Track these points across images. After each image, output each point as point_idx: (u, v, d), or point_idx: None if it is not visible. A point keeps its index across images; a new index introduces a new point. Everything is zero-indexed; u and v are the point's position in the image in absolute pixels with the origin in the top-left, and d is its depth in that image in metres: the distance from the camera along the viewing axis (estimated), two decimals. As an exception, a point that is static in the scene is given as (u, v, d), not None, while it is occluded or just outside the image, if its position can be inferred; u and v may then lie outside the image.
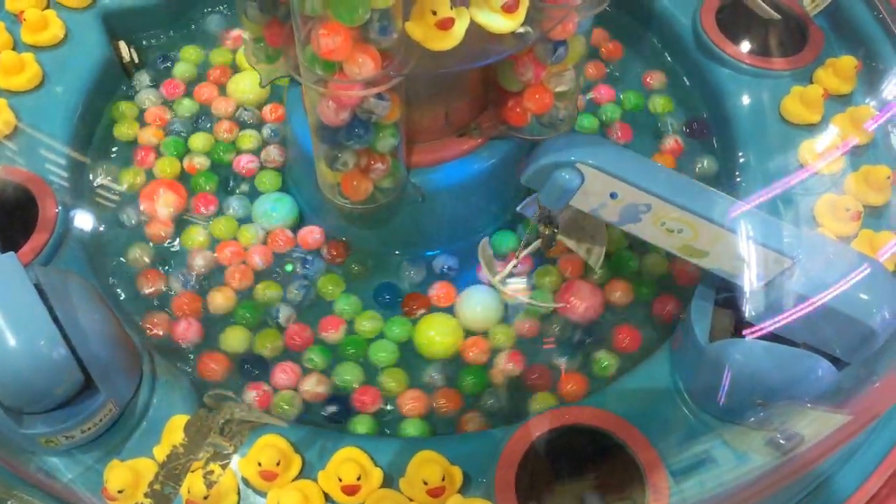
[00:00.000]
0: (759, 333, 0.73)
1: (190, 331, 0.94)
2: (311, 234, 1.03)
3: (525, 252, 0.94)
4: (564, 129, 0.94)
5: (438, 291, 0.98)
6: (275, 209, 1.03)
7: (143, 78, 1.17)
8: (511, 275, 0.96)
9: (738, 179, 1.02)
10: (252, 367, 0.92)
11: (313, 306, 0.98)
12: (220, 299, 0.97)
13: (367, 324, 0.96)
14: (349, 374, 0.92)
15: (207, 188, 1.07)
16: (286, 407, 0.88)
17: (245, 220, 1.04)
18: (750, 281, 0.76)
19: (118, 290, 0.97)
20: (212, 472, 0.63)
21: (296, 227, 1.04)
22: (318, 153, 0.86)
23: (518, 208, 0.91)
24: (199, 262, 1.00)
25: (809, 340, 0.73)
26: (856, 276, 0.72)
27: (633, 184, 0.75)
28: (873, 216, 0.94)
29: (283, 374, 0.91)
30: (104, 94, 1.12)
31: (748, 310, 0.75)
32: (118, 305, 0.94)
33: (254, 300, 0.98)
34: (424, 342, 0.94)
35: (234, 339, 0.94)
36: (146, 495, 0.62)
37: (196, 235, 1.02)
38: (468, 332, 0.95)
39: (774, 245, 0.74)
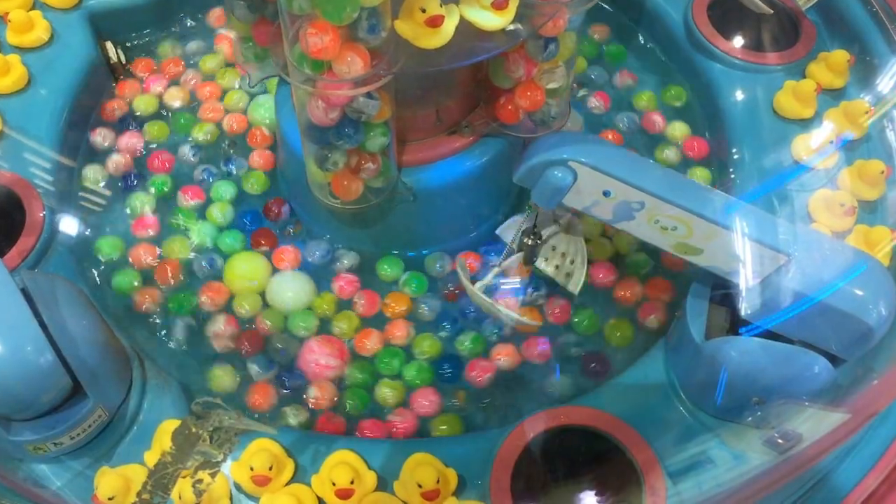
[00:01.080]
0: (756, 331, 0.73)
1: (156, 84, 1.16)
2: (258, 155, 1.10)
3: (507, 262, 0.93)
4: (557, 127, 0.93)
5: (284, 253, 1.00)
6: (266, 111, 1.13)
7: None
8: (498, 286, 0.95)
9: (732, 175, 1.01)
10: (130, 121, 1.12)
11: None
12: (177, 96, 1.15)
13: (217, 211, 1.03)
14: (139, 204, 1.04)
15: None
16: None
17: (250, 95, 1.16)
18: (745, 278, 0.75)
19: (107, 294, 0.96)
20: (201, 480, 0.62)
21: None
22: (308, 153, 0.85)
23: (497, 231, 0.90)
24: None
25: (806, 337, 0.73)
26: (852, 272, 0.72)
27: (626, 181, 0.74)
28: (868, 211, 0.94)
29: (129, 142, 1.09)
30: (91, 95, 1.11)
31: (744, 307, 0.74)
32: (106, 310, 0.93)
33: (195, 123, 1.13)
34: (230, 267, 0.99)
35: (148, 104, 1.15)
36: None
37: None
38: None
39: (769, 241, 0.73)
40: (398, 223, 0.97)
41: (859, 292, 0.71)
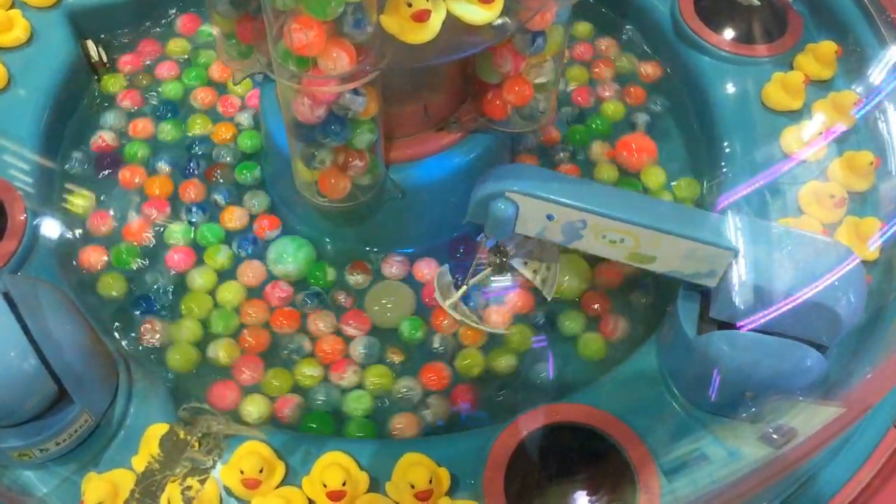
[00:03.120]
0: (750, 326, 0.72)
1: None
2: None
3: (474, 280, 0.93)
4: (545, 122, 0.93)
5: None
6: None
7: None
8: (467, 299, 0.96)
9: (723, 169, 1.01)
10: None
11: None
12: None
13: None
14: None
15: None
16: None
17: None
18: (702, 278, 0.76)
19: (91, 297, 0.95)
20: (190, 487, 0.60)
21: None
22: (295, 151, 0.84)
23: (479, 238, 0.91)
24: None
25: (783, 330, 0.72)
26: (814, 260, 0.72)
27: (561, 203, 0.76)
28: (858, 202, 0.94)
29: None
30: (73, 94, 1.09)
31: (711, 307, 0.75)
32: (92, 313, 0.91)
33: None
34: None
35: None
36: (125, 511, 0.60)
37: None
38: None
39: (713, 240, 0.74)
40: (386, 221, 0.96)
41: (821, 279, 0.71)
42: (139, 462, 0.73)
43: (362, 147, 0.82)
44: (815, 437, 0.71)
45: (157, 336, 0.92)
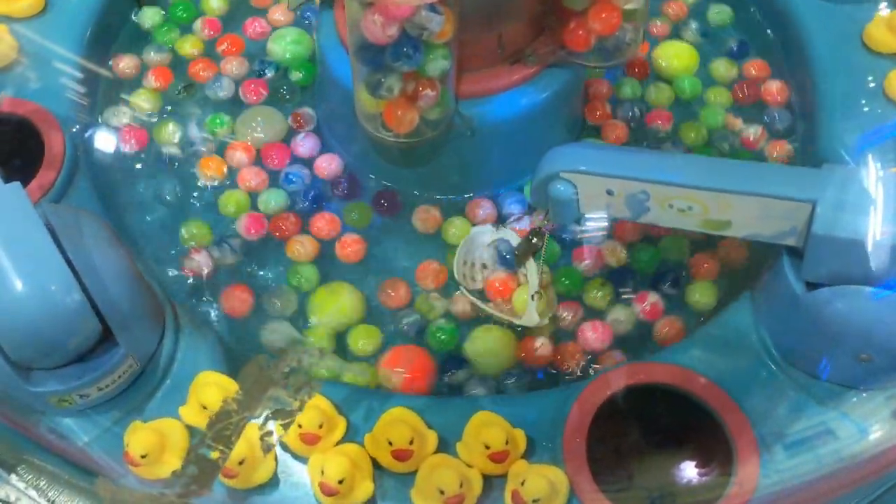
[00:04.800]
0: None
1: None
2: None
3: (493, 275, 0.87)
4: (630, 56, 0.85)
5: None
6: None
7: None
8: None
9: (817, 118, 0.92)
10: None
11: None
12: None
13: None
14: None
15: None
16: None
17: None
18: (786, 237, 0.68)
19: (136, 232, 0.89)
20: (271, 433, 0.53)
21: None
22: (359, 79, 0.77)
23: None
24: None
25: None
26: None
27: (617, 175, 0.70)
28: (973, 153, 0.85)
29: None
30: (113, 19, 1.03)
31: (802, 268, 0.67)
32: (136, 250, 0.86)
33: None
34: None
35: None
36: (189, 462, 0.52)
37: None
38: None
39: (782, 193, 0.66)
40: (450, 162, 0.89)
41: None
42: (187, 412, 0.67)
43: (435, 75, 0.75)
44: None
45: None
